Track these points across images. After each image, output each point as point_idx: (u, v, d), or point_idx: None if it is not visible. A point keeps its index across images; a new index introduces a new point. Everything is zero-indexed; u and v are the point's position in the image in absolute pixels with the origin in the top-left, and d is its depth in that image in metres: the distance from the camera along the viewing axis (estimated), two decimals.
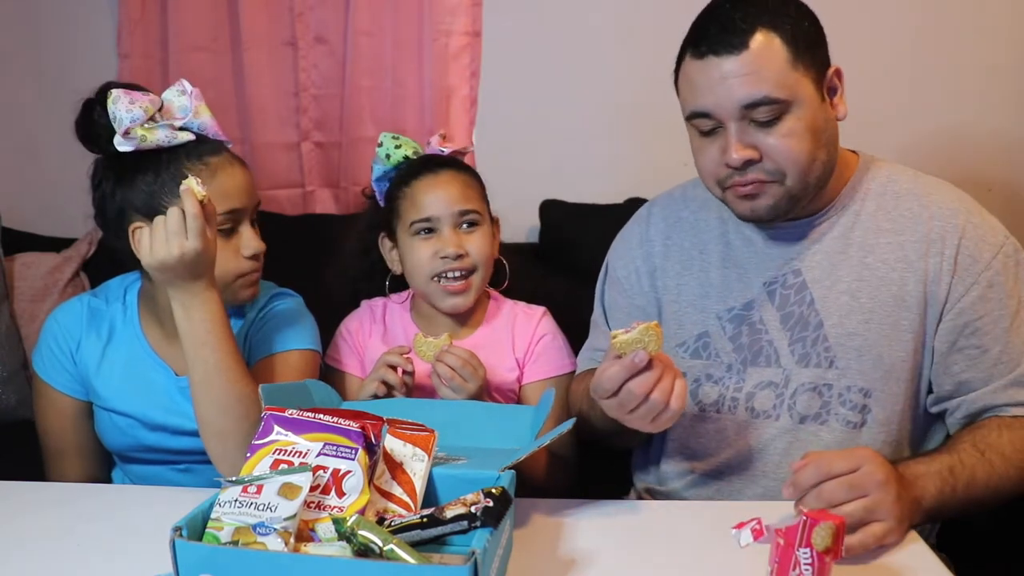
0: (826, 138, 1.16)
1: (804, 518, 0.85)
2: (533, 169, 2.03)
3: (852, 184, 1.25)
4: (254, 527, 0.87)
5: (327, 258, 1.54)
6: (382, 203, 1.49)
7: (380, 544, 0.84)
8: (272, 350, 1.33)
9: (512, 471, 1.02)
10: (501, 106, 2.05)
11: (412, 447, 1.03)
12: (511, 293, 1.51)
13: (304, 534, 0.91)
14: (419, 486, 1.00)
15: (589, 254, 1.51)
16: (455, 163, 1.45)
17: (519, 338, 1.44)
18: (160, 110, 1.25)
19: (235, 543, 0.87)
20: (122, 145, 1.21)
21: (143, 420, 1.33)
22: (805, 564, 0.85)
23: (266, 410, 1.00)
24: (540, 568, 0.99)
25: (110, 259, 1.35)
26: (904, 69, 1.99)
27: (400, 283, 1.49)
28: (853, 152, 1.28)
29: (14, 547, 1.05)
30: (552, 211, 1.97)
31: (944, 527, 1.26)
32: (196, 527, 0.89)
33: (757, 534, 0.99)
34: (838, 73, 1.18)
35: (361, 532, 0.85)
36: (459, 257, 1.37)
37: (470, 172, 1.46)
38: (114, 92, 1.22)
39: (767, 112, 1.12)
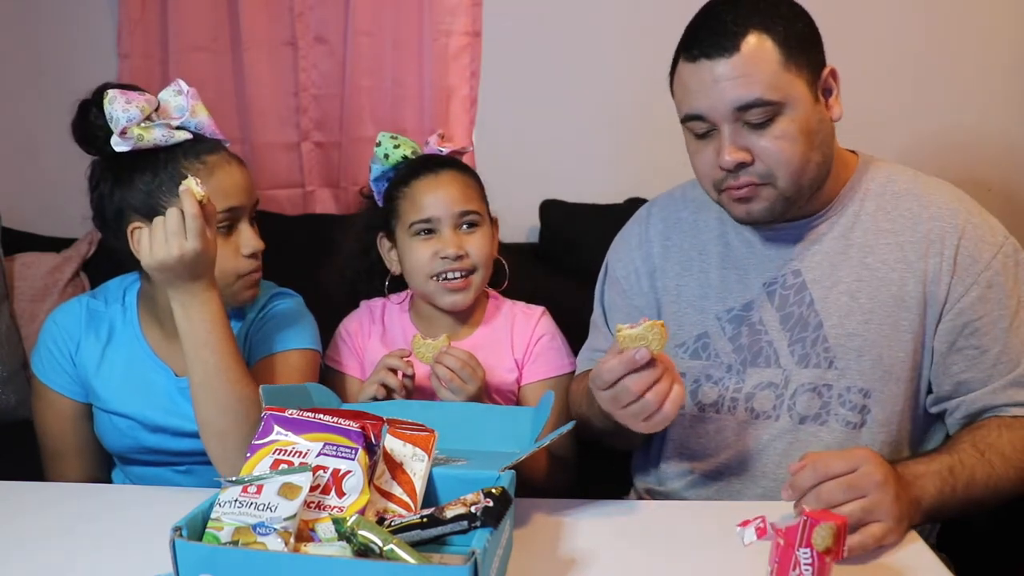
0: (820, 139, 1.16)
1: (805, 518, 0.85)
2: (533, 169, 2.03)
3: (851, 184, 1.25)
4: (254, 527, 0.87)
5: (327, 258, 1.54)
6: (380, 203, 1.49)
7: (380, 544, 0.84)
8: (272, 350, 1.33)
9: (512, 471, 1.02)
10: (501, 106, 2.05)
11: (412, 447, 1.03)
12: (511, 293, 1.51)
13: (304, 534, 0.91)
14: (419, 486, 1.00)
15: (589, 254, 1.51)
16: (455, 163, 1.45)
17: (518, 338, 1.44)
18: (157, 110, 1.25)
19: (235, 543, 0.87)
20: (119, 145, 1.21)
21: (143, 422, 1.33)
22: (805, 564, 0.84)
23: (266, 410, 1.00)
24: (540, 568, 0.99)
25: (110, 259, 1.35)
26: (906, 70, 1.99)
27: (399, 283, 1.49)
28: (852, 152, 1.28)
29: (14, 547, 1.05)
30: (552, 211, 1.97)
31: (944, 527, 1.26)
32: (196, 527, 0.89)
33: (761, 532, 0.99)
34: (833, 74, 1.18)
35: (361, 532, 0.86)
36: (459, 258, 1.37)
37: (470, 172, 1.46)
38: (110, 92, 1.21)
39: (760, 114, 1.12)
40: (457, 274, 1.38)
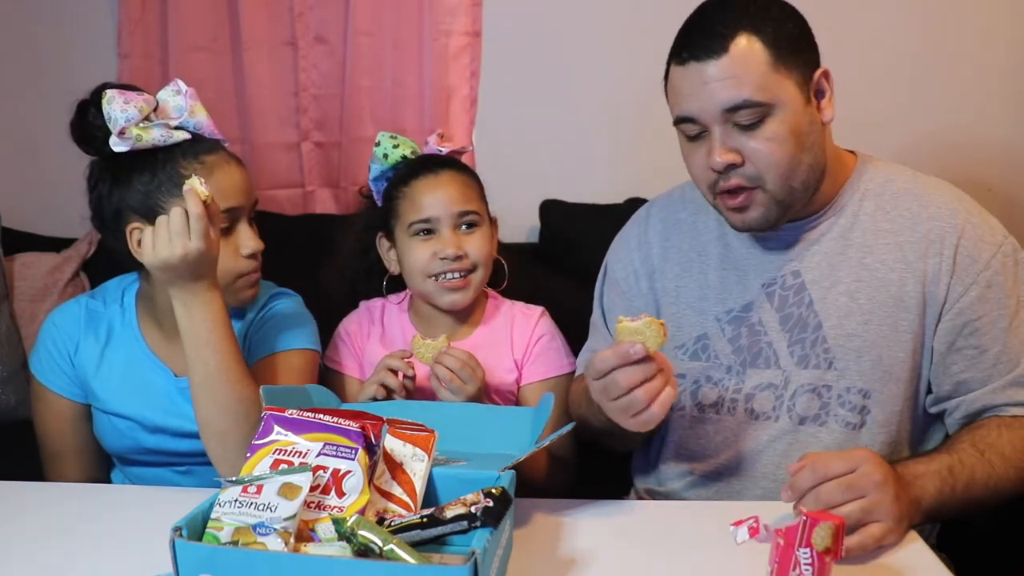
0: (811, 141, 1.16)
1: (804, 518, 0.85)
2: (533, 169, 2.03)
3: (850, 184, 1.25)
4: (254, 527, 0.87)
5: (327, 258, 1.54)
6: (379, 203, 1.49)
7: (380, 544, 0.85)
8: (272, 350, 1.33)
9: (512, 471, 1.02)
10: (501, 106, 2.05)
11: (412, 447, 1.03)
12: (511, 293, 1.51)
13: (304, 534, 0.91)
14: (419, 486, 1.00)
15: (589, 254, 1.51)
16: (454, 163, 1.45)
17: (517, 338, 1.44)
18: (155, 110, 1.25)
19: (235, 543, 0.87)
20: (118, 145, 1.21)
21: (142, 422, 1.33)
22: (805, 564, 0.85)
23: (266, 410, 1.00)
24: (540, 568, 0.99)
25: (110, 259, 1.34)
26: (904, 69, 1.99)
27: (397, 283, 1.48)
28: (851, 152, 1.28)
29: (14, 547, 1.05)
30: (552, 211, 1.97)
31: (944, 527, 1.26)
32: (196, 527, 0.89)
33: (753, 532, 0.99)
34: (826, 75, 1.18)
35: (361, 532, 0.86)
36: (458, 258, 1.37)
37: (469, 172, 1.46)
38: (108, 92, 1.21)
39: (749, 115, 1.12)
40: (456, 274, 1.38)
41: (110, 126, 1.21)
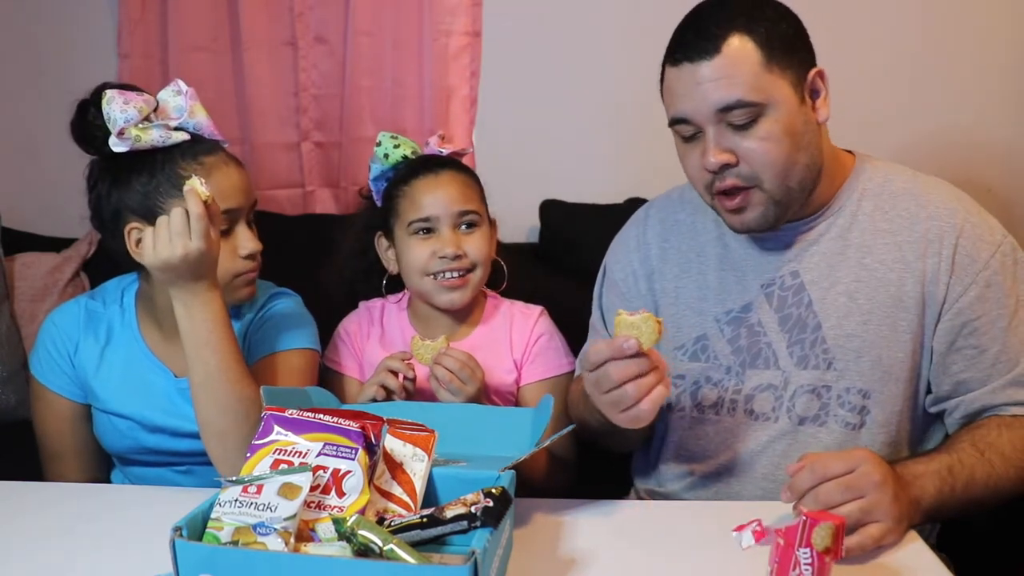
0: (806, 140, 1.16)
1: (804, 518, 0.85)
2: (533, 169, 2.03)
3: (848, 184, 1.25)
4: (254, 527, 0.87)
5: (326, 258, 1.54)
6: (379, 202, 1.49)
7: (380, 544, 0.85)
8: (272, 350, 1.33)
9: (512, 471, 1.02)
10: (501, 106, 2.05)
11: (412, 447, 1.03)
12: (511, 293, 1.51)
13: (304, 534, 0.91)
14: (419, 486, 1.00)
15: (589, 254, 1.51)
16: (455, 164, 1.45)
17: (516, 338, 1.44)
18: (155, 110, 1.25)
19: (235, 543, 0.87)
20: (117, 146, 1.21)
21: (142, 422, 1.33)
22: (805, 564, 0.85)
23: (266, 410, 1.00)
24: (540, 568, 0.99)
25: (110, 259, 1.34)
26: (904, 69, 1.99)
27: (396, 284, 1.48)
28: (849, 152, 1.28)
29: (14, 547, 1.05)
30: (552, 211, 1.97)
31: (944, 527, 1.26)
32: (196, 527, 0.89)
33: (759, 536, 0.99)
34: (821, 75, 1.18)
35: (361, 532, 0.86)
36: (457, 257, 1.37)
37: (469, 173, 1.46)
38: (108, 92, 1.22)
39: (742, 115, 1.12)
40: (455, 273, 1.38)
41: (110, 126, 1.21)
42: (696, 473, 1.30)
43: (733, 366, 1.26)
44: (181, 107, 1.26)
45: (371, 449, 0.97)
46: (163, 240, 1.13)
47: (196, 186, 1.13)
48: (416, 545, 0.90)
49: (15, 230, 1.95)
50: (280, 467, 0.94)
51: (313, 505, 0.93)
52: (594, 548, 1.03)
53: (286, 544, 0.87)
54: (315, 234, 1.75)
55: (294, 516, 0.89)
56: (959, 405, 1.20)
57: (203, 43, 2.03)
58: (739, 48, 1.12)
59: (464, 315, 1.46)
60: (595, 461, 1.42)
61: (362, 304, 1.52)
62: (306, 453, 0.96)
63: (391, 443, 1.02)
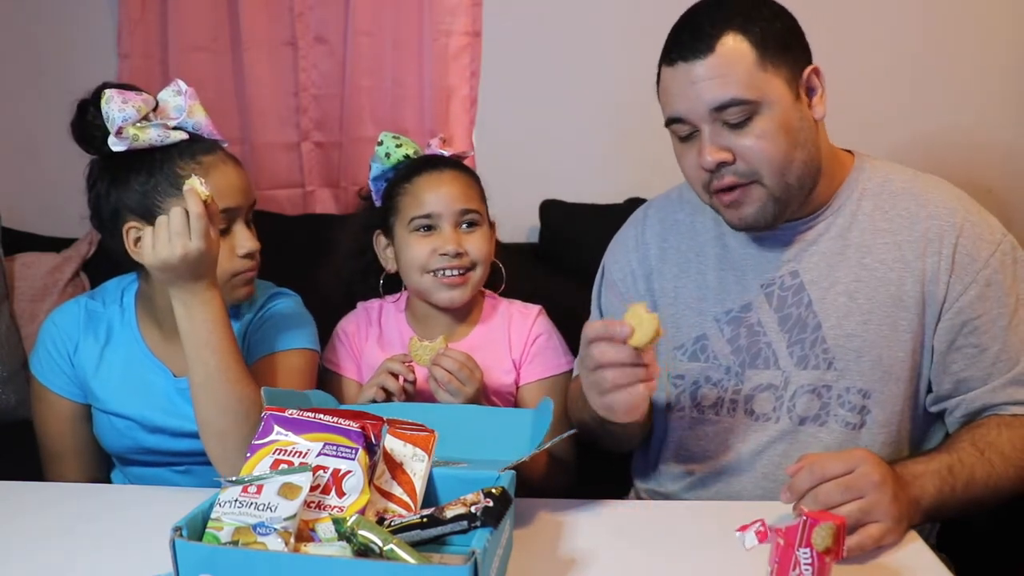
0: (803, 138, 1.16)
1: (804, 518, 0.85)
2: (533, 169, 2.03)
3: (848, 184, 1.25)
4: (254, 527, 0.87)
5: (326, 258, 1.54)
6: (378, 202, 1.48)
7: (380, 544, 0.85)
8: (271, 349, 1.33)
9: (512, 471, 1.02)
10: (501, 106, 2.05)
11: (412, 447, 1.03)
12: (510, 293, 1.51)
13: (304, 534, 0.91)
14: (419, 486, 1.00)
15: (589, 254, 1.50)
16: (457, 163, 1.46)
17: (515, 338, 1.44)
18: (155, 110, 1.25)
19: (235, 543, 0.87)
20: (115, 145, 1.21)
21: (142, 422, 1.33)
22: (805, 564, 0.85)
23: (266, 410, 1.00)
24: (540, 568, 0.99)
25: (110, 259, 1.35)
26: (904, 70, 1.99)
27: (393, 283, 1.48)
28: (848, 152, 1.28)
29: (14, 547, 1.05)
30: (552, 211, 1.97)
31: (944, 527, 1.26)
32: (196, 527, 0.89)
33: (762, 536, 0.99)
34: (816, 72, 1.18)
35: (361, 532, 0.86)
36: (458, 255, 1.37)
37: (471, 174, 1.46)
38: (107, 92, 1.22)
39: (737, 113, 1.13)
40: (455, 271, 1.38)
41: (108, 125, 1.21)
42: (696, 473, 1.30)
43: (733, 366, 1.26)
44: (181, 107, 1.26)
45: (371, 449, 0.97)
46: (162, 240, 1.13)
47: (196, 185, 1.13)
48: (416, 545, 0.90)
49: (15, 230, 1.95)
50: (280, 467, 0.94)
51: (313, 505, 0.93)
52: (594, 548, 1.03)
53: (286, 544, 0.87)
54: (315, 234, 1.75)
55: (294, 516, 0.89)
56: (960, 404, 1.20)
57: (203, 43, 2.03)
58: (733, 47, 1.12)
59: (462, 315, 1.45)
60: (595, 461, 1.42)
61: (360, 305, 1.52)
62: (306, 453, 0.96)
63: (391, 443, 1.02)
